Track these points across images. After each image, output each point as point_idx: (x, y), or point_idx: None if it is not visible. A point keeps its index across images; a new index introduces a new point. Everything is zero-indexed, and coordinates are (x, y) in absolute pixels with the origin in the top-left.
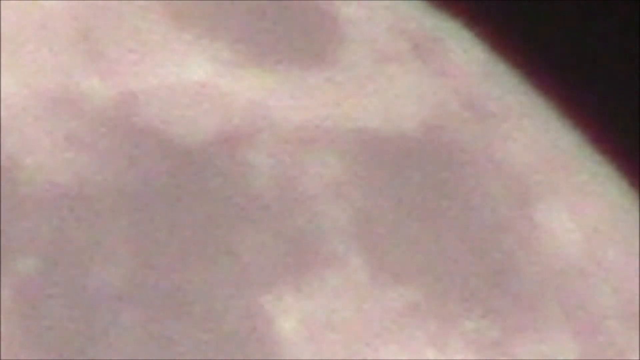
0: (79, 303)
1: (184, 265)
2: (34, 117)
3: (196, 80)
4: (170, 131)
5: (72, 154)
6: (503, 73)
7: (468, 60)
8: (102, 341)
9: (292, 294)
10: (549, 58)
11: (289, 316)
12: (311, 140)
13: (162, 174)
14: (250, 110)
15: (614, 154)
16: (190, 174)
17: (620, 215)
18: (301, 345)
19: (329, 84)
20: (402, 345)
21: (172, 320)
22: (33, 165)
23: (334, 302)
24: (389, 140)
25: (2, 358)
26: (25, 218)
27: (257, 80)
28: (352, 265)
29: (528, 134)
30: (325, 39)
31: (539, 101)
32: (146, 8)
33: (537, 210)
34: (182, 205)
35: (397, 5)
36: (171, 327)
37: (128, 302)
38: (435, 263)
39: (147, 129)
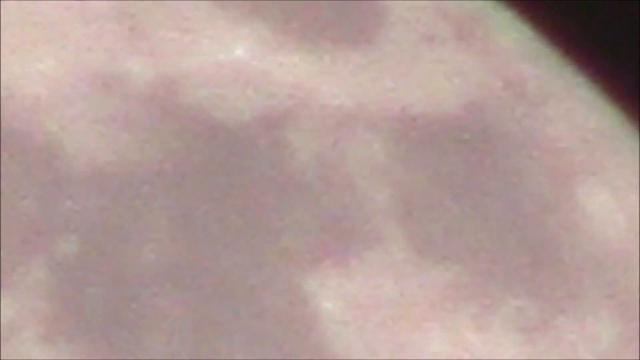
0: (120, 282)
1: (225, 245)
2: (76, 97)
3: (238, 61)
4: (212, 111)
5: (114, 134)
6: (545, 54)
7: (510, 41)
8: (144, 320)
9: (334, 273)
10: (592, 38)
11: (331, 296)
12: (353, 121)
13: (203, 154)
14: (292, 90)
15: None
16: (232, 154)
17: None
18: (343, 325)
19: (370, 65)
20: (444, 325)
21: (213, 299)
22: (75, 144)
23: (376, 281)
24: (430, 120)
25: (44, 335)
26: (67, 197)
27: (299, 61)
28: (394, 245)
29: (570, 115)
30: (367, 20)
31: (582, 82)
32: None
33: (579, 191)
34: (223, 186)
35: None
36: (212, 306)
37: (169, 282)
38: (477, 244)
39: (189, 109)
